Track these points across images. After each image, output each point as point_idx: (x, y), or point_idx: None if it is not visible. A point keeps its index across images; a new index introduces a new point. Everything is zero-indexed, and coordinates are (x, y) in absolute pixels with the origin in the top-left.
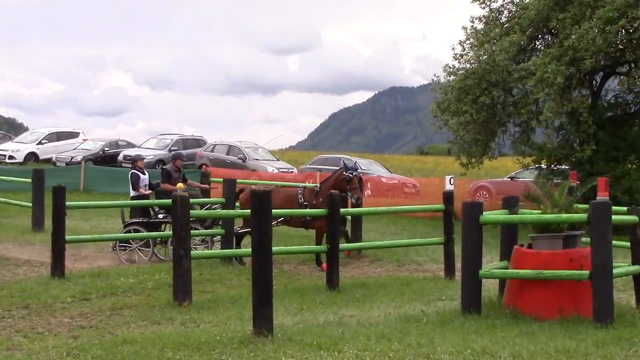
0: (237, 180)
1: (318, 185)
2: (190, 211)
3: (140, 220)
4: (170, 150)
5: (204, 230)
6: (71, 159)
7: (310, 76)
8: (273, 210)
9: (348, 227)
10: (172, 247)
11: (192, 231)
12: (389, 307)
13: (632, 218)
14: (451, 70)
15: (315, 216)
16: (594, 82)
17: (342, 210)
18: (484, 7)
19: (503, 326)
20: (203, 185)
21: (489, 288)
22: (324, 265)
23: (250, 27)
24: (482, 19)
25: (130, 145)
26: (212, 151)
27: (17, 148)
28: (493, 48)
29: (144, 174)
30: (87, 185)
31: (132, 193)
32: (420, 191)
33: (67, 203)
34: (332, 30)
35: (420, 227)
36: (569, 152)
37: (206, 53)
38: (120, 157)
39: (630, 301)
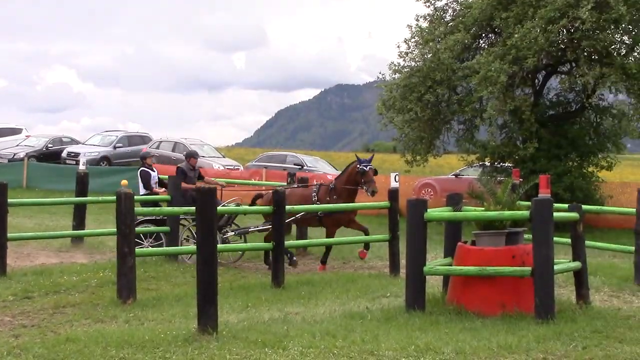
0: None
1: (332, 182)
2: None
3: (153, 219)
4: (115, 147)
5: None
6: (14, 155)
7: (257, 73)
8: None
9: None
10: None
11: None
12: (334, 304)
13: (573, 215)
14: (396, 68)
15: (328, 213)
16: (536, 80)
17: (287, 207)
18: (429, 6)
19: (446, 322)
20: (221, 183)
21: (434, 285)
22: (320, 267)
23: (196, 24)
24: (427, 17)
25: (74, 141)
26: (157, 148)
27: None
28: (438, 46)
29: (153, 171)
30: (30, 182)
31: (143, 191)
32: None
33: (9, 200)
34: (278, 28)
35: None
36: (512, 149)
37: (152, 50)
38: (64, 154)
39: (571, 297)
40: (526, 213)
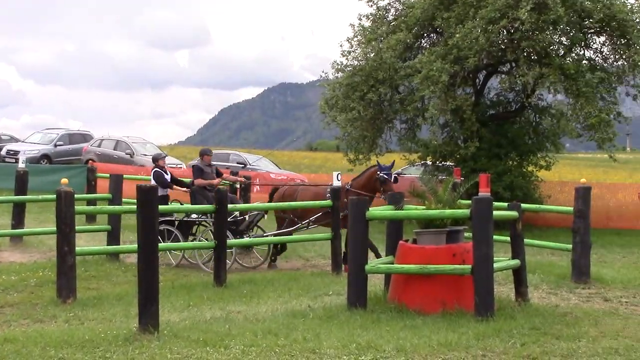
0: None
1: (349, 183)
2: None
3: (172, 220)
4: (55, 145)
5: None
6: None
7: (200, 72)
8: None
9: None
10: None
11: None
12: (276, 303)
13: (512, 214)
14: (339, 67)
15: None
16: (477, 80)
17: (229, 206)
18: (372, 5)
19: (388, 320)
20: (240, 179)
21: (375, 283)
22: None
23: (139, 22)
24: (370, 16)
25: (13, 139)
26: (99, 146)
27: None
28: (380, 46)
29: (166, 172)
30: None
31: (161, 192)
32: None
33: None
34: (221, 26)
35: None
36: (453, 148)
37: (94, 47)
38: (3, 152)
39: (510, 295)
40: (466, 211)
